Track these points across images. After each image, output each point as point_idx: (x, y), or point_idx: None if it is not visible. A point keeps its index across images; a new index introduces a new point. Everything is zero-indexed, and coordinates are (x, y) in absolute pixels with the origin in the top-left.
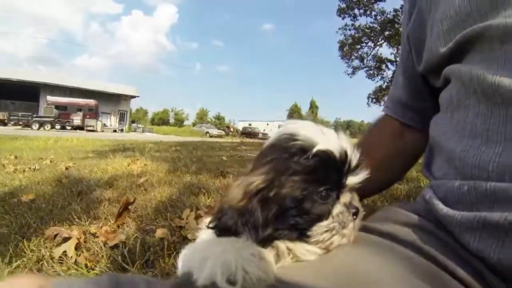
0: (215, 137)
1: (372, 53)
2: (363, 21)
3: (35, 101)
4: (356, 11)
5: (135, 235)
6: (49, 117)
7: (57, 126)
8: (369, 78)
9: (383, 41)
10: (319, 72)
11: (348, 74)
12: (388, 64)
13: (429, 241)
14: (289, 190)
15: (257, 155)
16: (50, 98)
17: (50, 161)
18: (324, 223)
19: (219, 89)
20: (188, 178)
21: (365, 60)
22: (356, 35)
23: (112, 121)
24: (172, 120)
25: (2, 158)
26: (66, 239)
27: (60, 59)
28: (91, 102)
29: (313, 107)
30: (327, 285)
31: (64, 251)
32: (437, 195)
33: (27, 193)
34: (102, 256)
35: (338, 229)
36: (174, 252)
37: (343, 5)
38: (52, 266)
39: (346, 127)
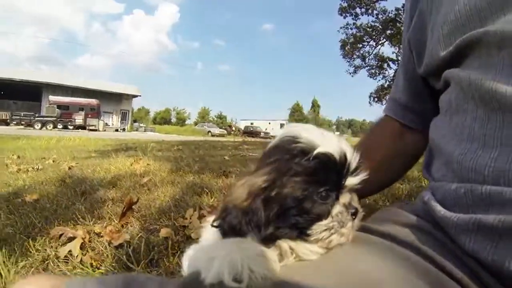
0: (217, 136)
1: (373, 52)
2: (364, 20)
3: (37, 101)
4: (358, 10)
5: (139, 235)
6: (51, 116)
7: (59, 126)
8: (370, 77)
9: (384, 40)
10: (321, 71)
11: (350, 73)
12: (390, 63)
13: (427, 242)
14: (290, 190)
15: (260, 156)
16: (52, 97)
17: (53, 161)
18: (324, 222)
19: (221, 88)
20: (191, 177)
21: (366, 59)
22: (358, 34)
23: (114, 120)
24: (174, 119)
25: (5, 158)
26: (71, 239)
27: (62, 58)
28: (93, 101)
29: (314, 106)
30: (328, 284)
31: (70, 251)
32: (435, 197)
33: (31, 193)
34: (107, 255)
35: (337, 228)
36: (178, 251)
37: (345, 4)
38: (58, 265)
39: (348, 126)
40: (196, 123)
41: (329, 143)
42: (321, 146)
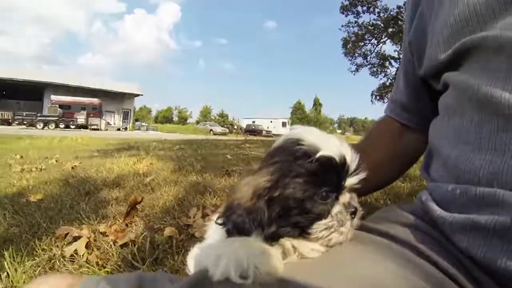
0: (219, 134)
1: (375, 50)
2: (366, 18)
3: (39, 101)
4: (360, 8)
5: (143, 234)
6: (53, 116)
7: (61, 125)
8: (372, 75)
9: (386, 38)
10: (323, 69)
11: (352, 72)
12: (392, 61)
13: (425, 241)
14: (292, 191)
15: (265, 156)
16: (54, 97)
17: (56, 161)
18: (324, 221)
19: (223, 87)
20: (194, 177)
21: (368, 57)
22: (360, 32)
23: (116, 119)
24: (175, 118)
25: (8, 158)
26: (76, 238)
27: (63, 58)
28: (95, 101)
29: (316, 104)
30: (328, 282)
31: (75, 250)
32: (432, 197)
33: (35, 193)
34: (112, 254)
35: (336, 227)
36: (183, 250)
37: (346, 2)
38: (64, 264)
39: (349, 124)
40: (198, 122)
41: (331, 146)
42: (323, 149)
